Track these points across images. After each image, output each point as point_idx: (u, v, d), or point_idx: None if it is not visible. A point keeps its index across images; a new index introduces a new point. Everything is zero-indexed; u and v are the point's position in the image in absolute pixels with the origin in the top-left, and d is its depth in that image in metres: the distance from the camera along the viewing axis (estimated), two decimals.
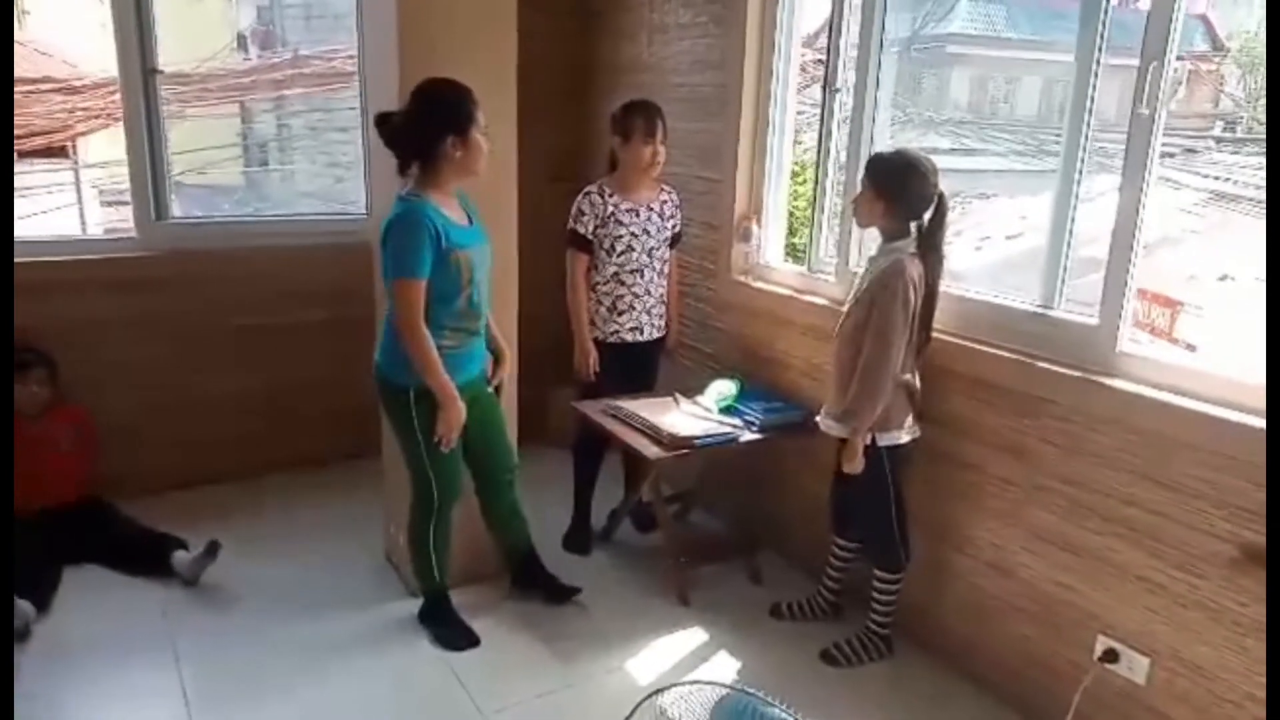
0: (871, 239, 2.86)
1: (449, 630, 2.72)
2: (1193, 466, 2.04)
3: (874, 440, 2.45)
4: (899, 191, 2.38)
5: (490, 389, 2.69)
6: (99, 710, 2.40)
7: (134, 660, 2.57)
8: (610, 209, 3.05)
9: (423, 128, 2.34)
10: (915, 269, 2.37)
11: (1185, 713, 2.11)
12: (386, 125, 2.39)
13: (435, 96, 2.36)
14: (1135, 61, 2.13)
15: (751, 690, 1.65)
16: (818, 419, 2.64)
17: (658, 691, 1.76)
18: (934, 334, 2.49)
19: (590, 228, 3.06)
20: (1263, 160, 3.79)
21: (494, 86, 2.63)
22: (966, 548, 2.59)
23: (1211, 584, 2.03)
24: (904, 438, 2.49)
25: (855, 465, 2.45)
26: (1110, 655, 2.24)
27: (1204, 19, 4.09)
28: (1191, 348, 3.41)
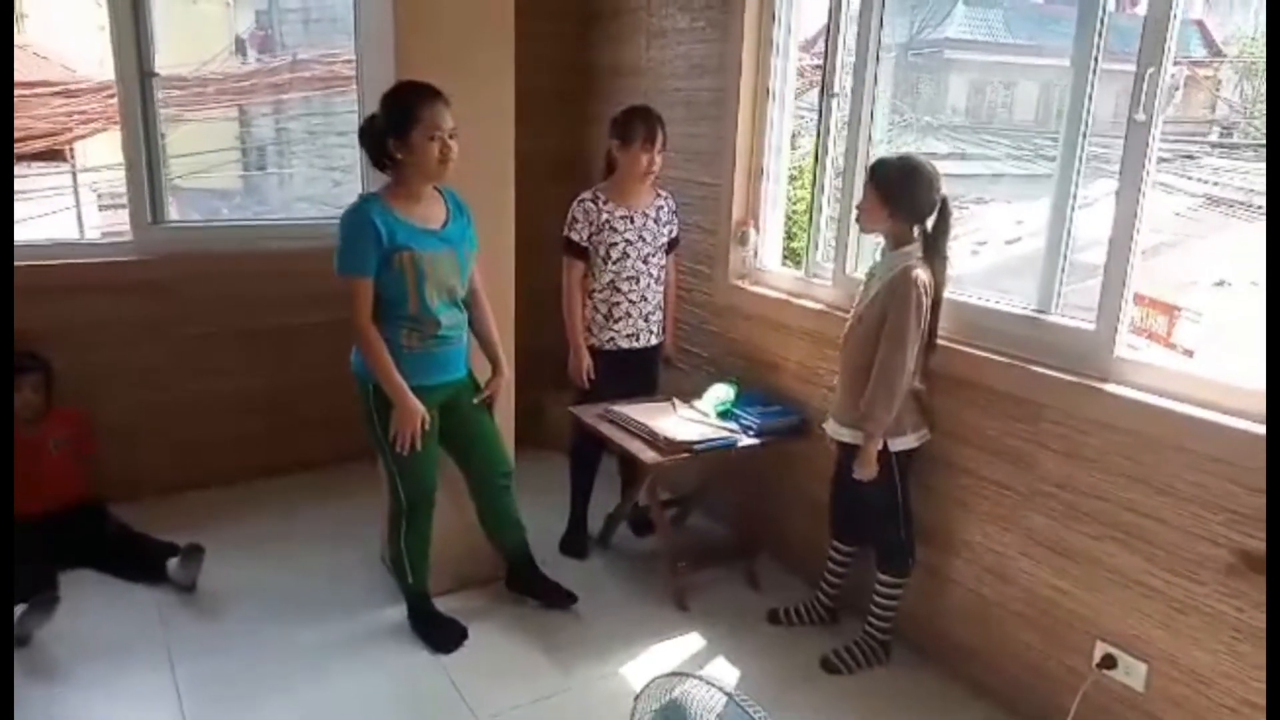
0: (868, 244, 2.86)
1: (433, 630, 2.72)
2: (1190, 472, 2.03)
3: (885, 445, 2.45)
4: (903, 197, 2.38)
5: (478, 400, 2.66)
6: (94, 714, 2.38)
7: (129, 664, 2.56)
8: (605, 216, 3.04)
9: (372, 129, 2.39)
10: (924, 273, 2.37)
11: (1182, 718, 2.11)
12: (360, 128, 2.45)
13: (386, 98, 2.37)
14: (1131, 67, 2.13)
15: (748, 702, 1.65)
16: (825, 426, 2.64)
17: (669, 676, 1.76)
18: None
19: (585, 235, 3.05)
20: (1260, 165, 3.80)
21: (492, 90, 2.64)
22: (964, 553, 2.59)
23: (1208, 589, 2.03)
24: (913, 442, 2.50)
25: (869, 471, 2.44)
26: (1108, 661, 2.24)
27: (1200, 24, 4.09)
28: (1189, 353, 3.42)
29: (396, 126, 2.33)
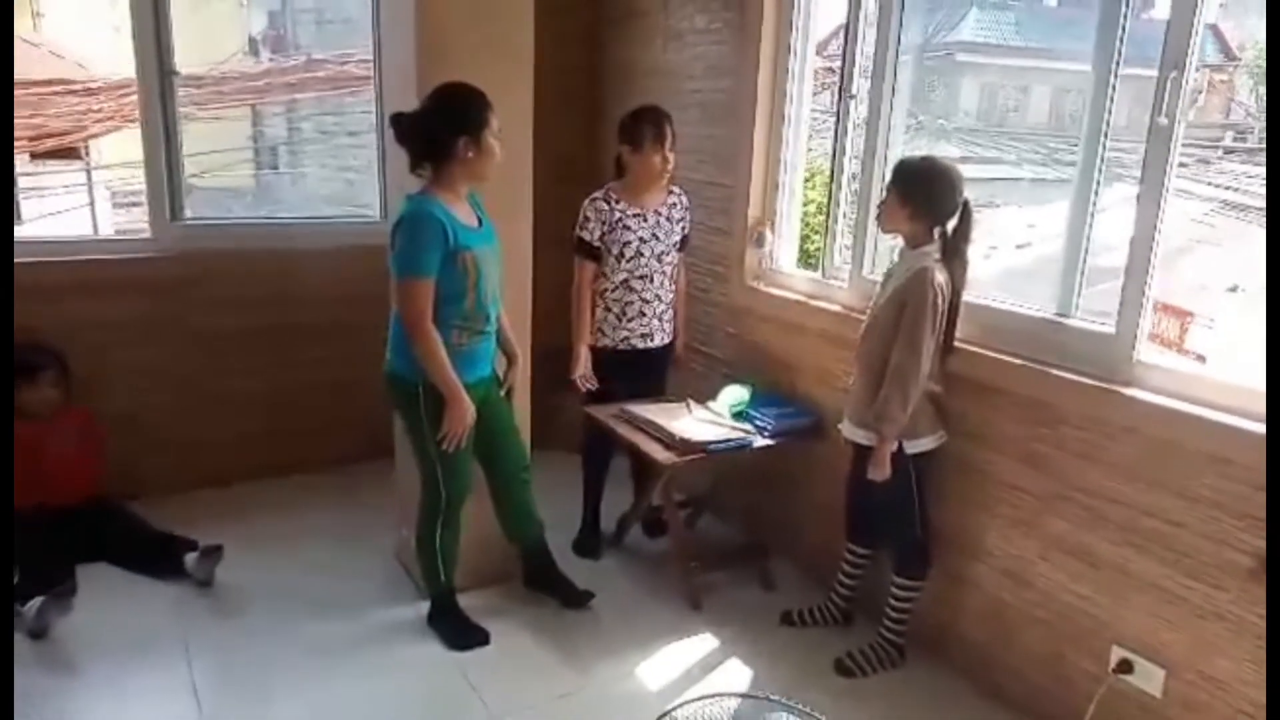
0: (885, 246, 2.86)
1: (457, 630, 2.72)
2: (1210, 477, 2.03)
3: (900, 447, 2.44)
4: (925, 198, 2.38)
5: (502, 391, 2.70)
6: (110, 708, 2.39)
7: (145, 658, 2.57)
8: (618, 215, 3.04)
9: (436, 127, 2.37)
10: (941, 274, 2.37)
11: None
12: (400, 124, 2.42)
13: (450, 97, 2.38)
14: (1146, 71, 2.13)
15: (776, 698, 1.65)
16: (840, 426, 2.64)
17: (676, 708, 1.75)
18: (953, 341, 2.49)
19: (596, 235, 3.05)
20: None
21: (511, 89, 2.64)
22: (982, 556, 2.58)
23: (1229, 595, 2.03)
24: (929, 444, 2.49)
25: (883, 472, 2.44)
26: (1125, 666, 2.23)
27: (1215, 29, 4.09)
28: (1201, 358, 3.41)
29: (470, 126, 2.35)
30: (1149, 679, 2.19)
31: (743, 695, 1.77)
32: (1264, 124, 4.04)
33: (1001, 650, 2.56)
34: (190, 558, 2.92)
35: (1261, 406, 1.96)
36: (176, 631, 2.70)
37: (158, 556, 2.97)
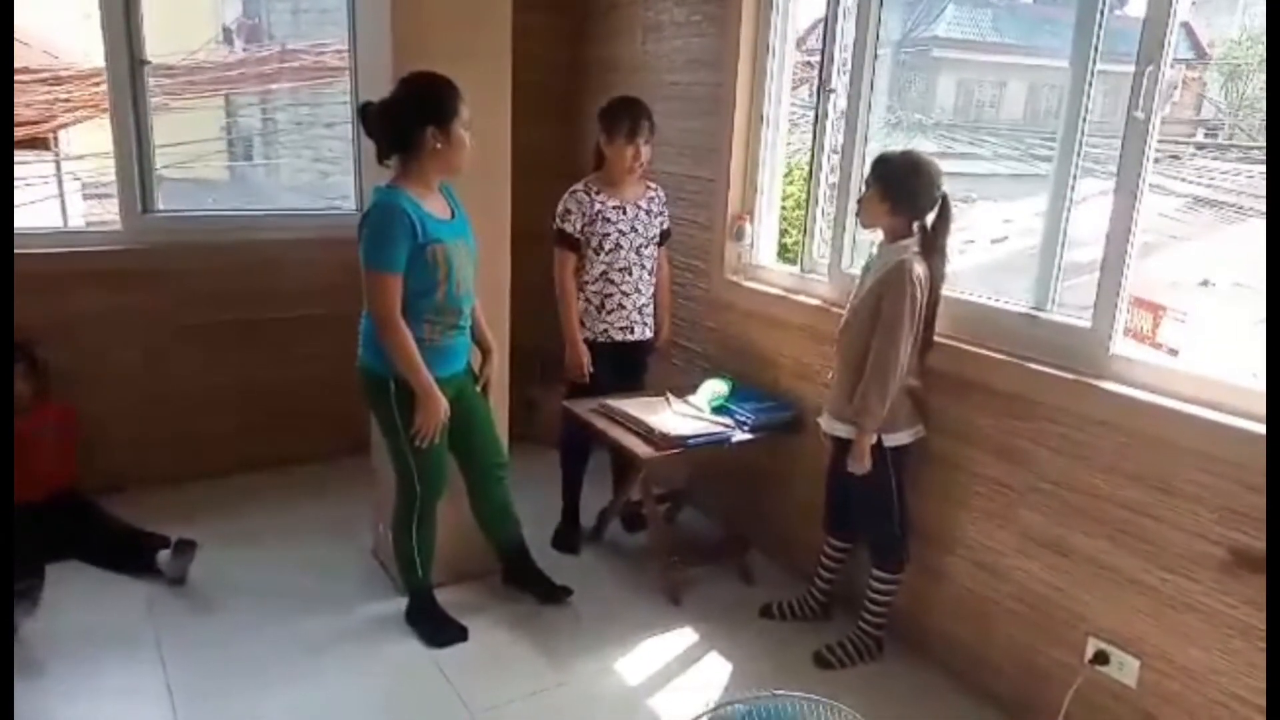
0: (864, 240, 2.87)
1: (435, 626, 2.70)
2: (1184, 469, 2.05)
3: (879, 440, 2.45)
4: (905, 192, 2.38)
5: (478, 387, 2.67)
6: (82, 708, 2.35)
7: (118, 657, 2.54)
8: (598, 207, 3.03)
9: (402, 117, 2.33)
10: (921, 268, 2.38)
11: (1174, 715, 2.13)
12: (367, 114, 2.39)
13: (418, 86, 2.34)
14: (1119, 67, 2.15)
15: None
16: (819, 420, 2.64)
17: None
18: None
19: (577, 226, 3.04)
20: (1246, 166, 3.84)
21: (489, 82, 2.62)
22: (958, 549, 2.60)
23: (1202, 586, 2.05)
24: (907, 438, 2.50)
25: (863, 465, 2.45)
26: (1100, 657, 2.26)
27: (1186, 26, 4.12)
28: (1174, 352, 3.44)
29: (438, 116, 2.31)
30: (1124, 670, 2.22)
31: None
32: (1234, 120, 4.09)
33: (978, 642, 2.57)
34: (163, 555, 2.88)
35: (1235, 399, 1.99)
36: (150, 629, 2.66)
37: (130, 553, 2.93)
